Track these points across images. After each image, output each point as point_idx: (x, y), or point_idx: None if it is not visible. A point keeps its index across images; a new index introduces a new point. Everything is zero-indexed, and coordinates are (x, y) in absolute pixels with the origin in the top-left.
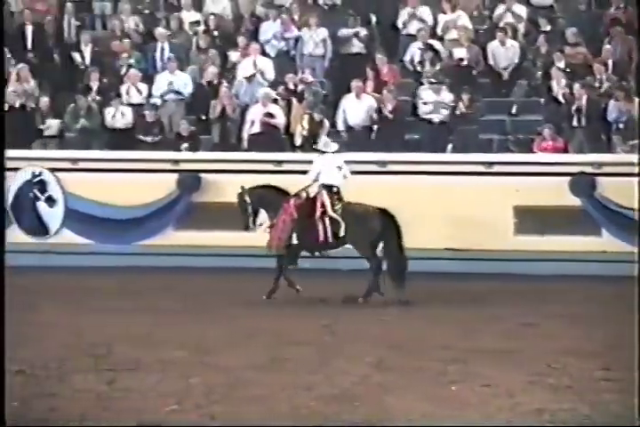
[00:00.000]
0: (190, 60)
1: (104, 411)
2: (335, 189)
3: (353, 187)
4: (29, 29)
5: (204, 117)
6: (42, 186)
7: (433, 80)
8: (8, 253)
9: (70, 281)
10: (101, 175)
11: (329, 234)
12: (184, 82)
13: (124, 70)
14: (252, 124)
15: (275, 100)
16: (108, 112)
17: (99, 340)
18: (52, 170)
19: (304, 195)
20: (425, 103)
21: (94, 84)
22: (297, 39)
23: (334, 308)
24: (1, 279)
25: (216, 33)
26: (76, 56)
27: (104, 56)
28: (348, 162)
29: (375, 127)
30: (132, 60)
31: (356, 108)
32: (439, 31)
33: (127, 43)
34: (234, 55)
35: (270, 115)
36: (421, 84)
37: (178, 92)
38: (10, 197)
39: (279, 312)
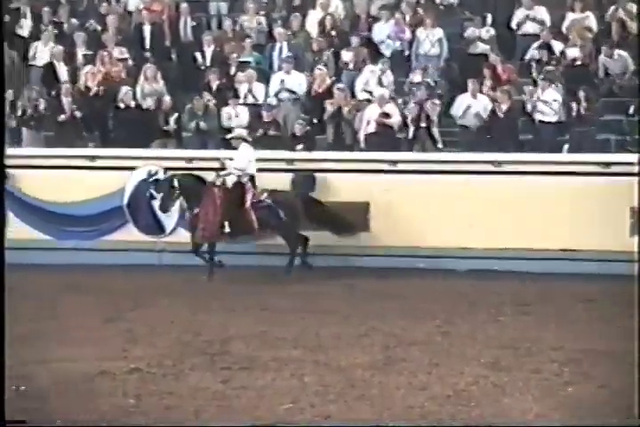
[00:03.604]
0: (307, 60)
1: (219, 409)
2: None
3: (469, 186)
4: (147, 29)
5: (318, 118)
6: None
7: (549, 80)
8: (126, 251)
9: (184, 279)
10: (212, 174)
11: (257, 221)
12: (298, 82)
13: (241, 70)
14: (368, 123)
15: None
16: (225, 112)
17: (214, 338)
18: (168, 169)
19: (222, 183)
20: (541, 103)
21: (214, 84)
22: (412, 39)
23: (447, 308)
24: (1, 279)
25: (334, 33)
26: (198, 56)
27: (223, 56)
28: (463, 162)
29: (490, 127)
30: (250, 60)
31: (471, 108)
32: (563, 30)
33: (246, 43)
34: (346, 55)
35: (386, 115)
36: (537, 83)
37: (292, 92)
38: (126, 196)
39: (393, 312)
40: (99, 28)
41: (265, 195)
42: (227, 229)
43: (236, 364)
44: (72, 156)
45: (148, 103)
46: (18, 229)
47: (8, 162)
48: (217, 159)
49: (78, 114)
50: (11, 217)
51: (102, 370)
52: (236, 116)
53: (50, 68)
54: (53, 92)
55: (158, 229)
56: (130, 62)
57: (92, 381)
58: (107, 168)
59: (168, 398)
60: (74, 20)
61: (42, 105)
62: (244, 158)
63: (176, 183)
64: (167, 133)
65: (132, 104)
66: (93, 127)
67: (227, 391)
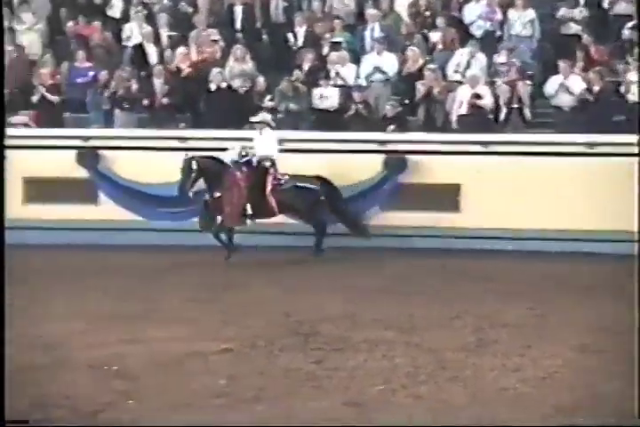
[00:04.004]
0: (397, 42)
1: (311, 390)
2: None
3: (561, 168)
4: (239, 10)
5: (409, 99)
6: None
7: None
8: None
9: (279, 259)
10: (306, 155)
11: (276, 204)
12: (390, 63)
13: (332, 51)
14: (460, 105)
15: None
16: (316, 93)
17: (306, 319)
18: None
19: (244, 167)
20: (634, 84)
21: (306, 65)
22: (503, 20)
23: (538, 290)
24: (1, 277)
25: (427, 13)
26: (290, 36)
27: (315, 37)
28: (555, 143)
29: (582, 108)
30: (341, 40)
31: (563, 89)
32: None
33: (337, 23)
34: (434, 36)
35: (478, 96)
36: (630, 64)
37: (384, 73)
38: None
39: (484, 294)
40: (190, 9)
41: (286, 178)
42: (249, 212)
43: (327, 345)
44: (163, 137)
45: (237, 84)
46: (109, 210)
47: (99, 143)
48: (309, 141)
49: (169, 96)
50: (102, 198)
51: (194, 350)
52: (326, 97)
53: (140, 49)
54: (143, 73)
55: None
56: (221, 44)
57: (184, 361)
58: (198, 149)
59: (259, 378)
60: (165, 1)
61: (134, 86)
62: (270, 143)
63: (195, 165)
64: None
65: (224, 85)
66: (185, 108)
67: (318, 372)
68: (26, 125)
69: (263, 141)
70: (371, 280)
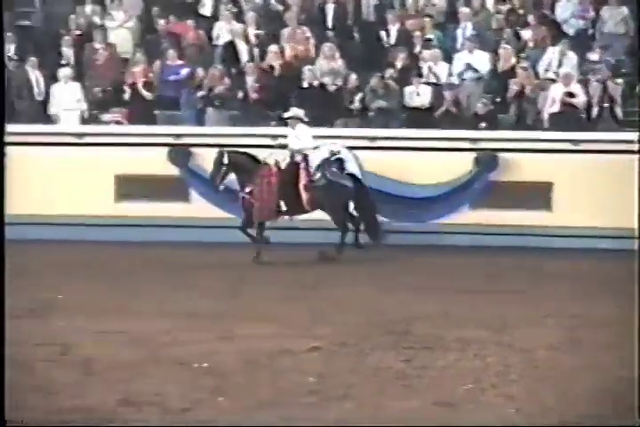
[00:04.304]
0: (489, 40)
1: (401, 389)
2: (309, 158)
3: None
4: (330, 8)
5: (500, 97)
6: (340, 164)
7: None
8: (299, 230)
9: (368, 258)
10: (398, 153)
11: (310, 200)
12: (483, 61)
13: (424, 49)
14: (553, 103)
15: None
16: (408, 91)
17: (397, 317)
18: (351, 148)
19: (279, 163)
20: None
21: (398, 63)
22: (595, 18)
23: (630, 290)
24: (1, 275)
25: (522, 11)
26: (382, 35)
27: (407, 35)
28: None
29: None
30: (432, 38)
31: None
32: None
33: (427, 21)
34: (526, 34)
35: (571, 94)
36: None
37: (476, 71)
38: None
39: (576, 293)
40: (280, 7)
41: (318, 175)
42: (283, 208)
43: (418, 343)
44: (255, 134)
45: (326, 81)
46: (200, 208)
47: (191, 140)
48: (401, 138)
49: (261, 94)
50: (194, 195)
51: (285, 348)
52: (418, 95)
53: (231, 46)
54: (234, 71)
55: None
56: (312, 41)
57: (274, 359)
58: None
59: (349, 376)
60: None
61: (226, 84)
62: (304, 139)
63: (226, 160)
64: (350, 112)
65: (315, 83)
66: (276, 106)
67: (408, 371)
68: (117, 123)
69: (296, 136)
70: (463, 279)
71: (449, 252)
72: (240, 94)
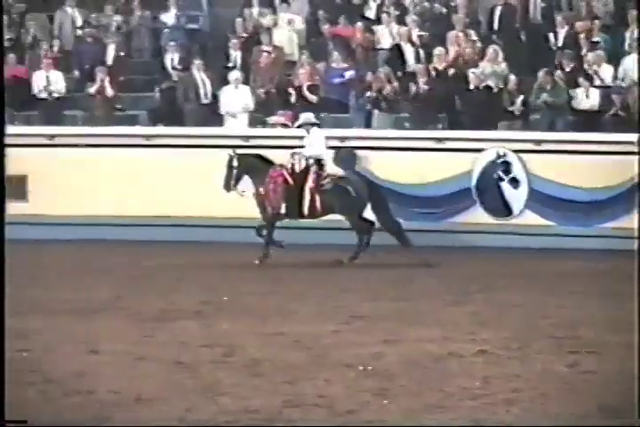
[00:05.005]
0: None
1: (565, 394)
2: (323, 162)
3: None
4: (498, 10)
5: None
6: (506, 167)
7: None
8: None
9: (530, 263)
10: (564, 157)
11: (318, 204)
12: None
13: (590, 52)
14: None
15: None
16: (576, 93)
17: (562, 321)
18: (516, 151)
19: (290, 166)
20: None
21: (566, 66)
22: None
23: None
24: (1, 274)
25: None
26: (550, 37)
27: (574, 37)
28: None
29: None
30: (599, 41)
31: None
32: None
33: (595, 23)
34: None
35: None
36: None
37: None
38: (474, 178)
39: None
40: (444, 10)
41: (328, 179)
42: (282, 211)
43: (583, 348)
44: (420, 137)
45: (490, 84)
46: None
47: (356, 143)
48: (568, 142)
49: (428, 96)
50: None
51: (450, 351)
52: (587, 97)
53: (397, 49)
54: (399, 73)
55: (506, 210)
56: (478, 44)
57: (440, 362)
58: (454, 150)
59: (514, 380)
60: (420, 2)
61: (394, 87)
62: (318, 144)
63: (235, 163)
64: (513, 115)
65: (481, 85)
66: (442, 108)
67: (572, 376)
68: (284, 126)
69: (310, 141)
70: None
71: (613, 257)
72: (409, 96)
